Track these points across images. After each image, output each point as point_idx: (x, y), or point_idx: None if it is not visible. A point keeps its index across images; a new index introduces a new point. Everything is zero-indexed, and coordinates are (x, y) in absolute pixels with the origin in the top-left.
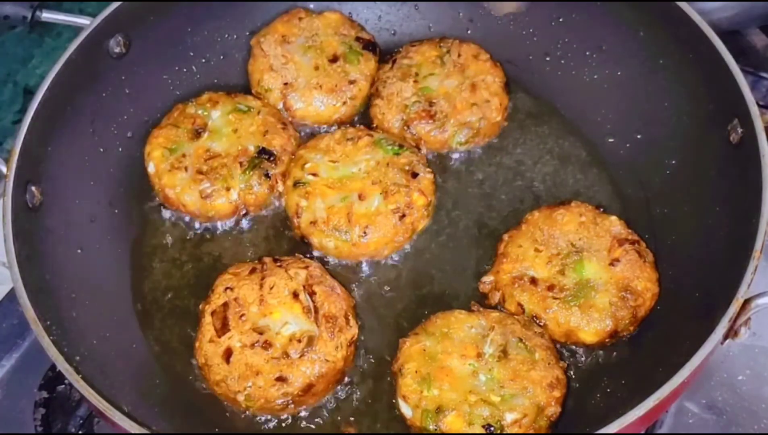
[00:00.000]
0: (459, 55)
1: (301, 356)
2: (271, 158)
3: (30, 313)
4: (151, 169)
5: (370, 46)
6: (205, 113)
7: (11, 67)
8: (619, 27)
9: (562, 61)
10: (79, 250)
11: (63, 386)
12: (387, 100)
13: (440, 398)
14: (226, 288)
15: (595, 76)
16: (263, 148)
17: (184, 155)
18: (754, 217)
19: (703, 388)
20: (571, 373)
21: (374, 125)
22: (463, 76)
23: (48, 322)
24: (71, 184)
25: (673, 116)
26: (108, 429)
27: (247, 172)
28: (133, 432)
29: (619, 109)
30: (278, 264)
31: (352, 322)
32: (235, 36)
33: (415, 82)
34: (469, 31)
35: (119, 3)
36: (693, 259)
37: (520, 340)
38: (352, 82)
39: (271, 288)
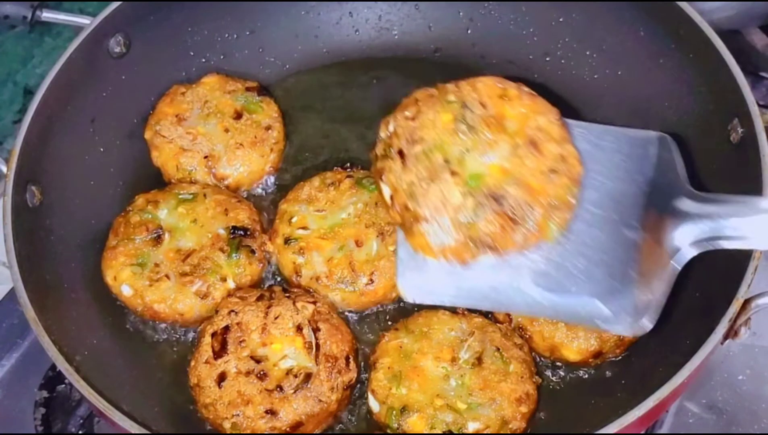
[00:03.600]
0: None
1: (294, 392)
2: (248, 233)
3: (30, 313)
4: (126, 292)
5: (262, 90)
6: (151, 216)
7: (11, 66)
8: (619, 27)
9: (563, 61)
10: (79, 250)
11: (63, 386)
12: None
13: (407, 398)
14: (231, 311)
15: (596, 76)
16: (235, 227)
17: (157, 265)
18: None
19: (703, 388)
20: (570, 373)
21: None
22: None
23: (48, 322)
24: (71, 184)
25: (673, 116)
26: (108, 429)
27: (233, 255)
28: (133, 432)
29: (620, 109)
30: (287, 295)
31: (353, 365)
32: (235, 36)
33: None
34: (469, 31)
35: (119, 3)
36: (693, 259)
37: (498, 349)
38: (268, 128)
39: (276, 318)
